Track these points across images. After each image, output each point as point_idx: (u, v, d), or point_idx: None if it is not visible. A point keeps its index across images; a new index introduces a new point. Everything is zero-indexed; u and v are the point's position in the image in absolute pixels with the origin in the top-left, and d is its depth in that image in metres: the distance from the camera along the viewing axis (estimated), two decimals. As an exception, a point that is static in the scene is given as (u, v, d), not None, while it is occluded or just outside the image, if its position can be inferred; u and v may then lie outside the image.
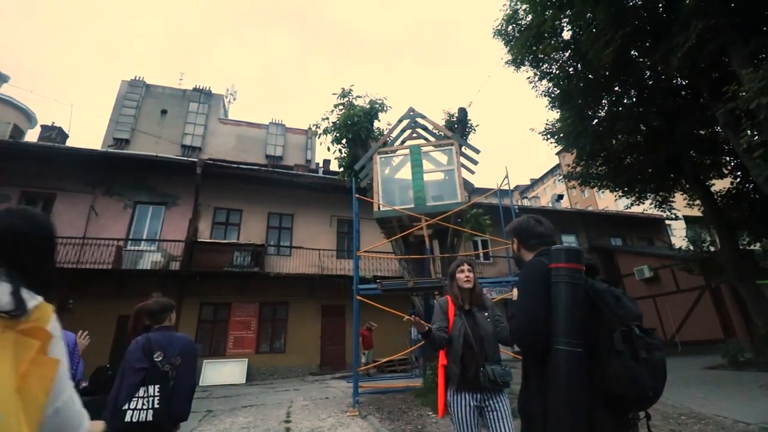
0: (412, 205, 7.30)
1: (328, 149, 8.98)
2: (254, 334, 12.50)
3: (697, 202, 11.05)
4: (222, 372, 11.26)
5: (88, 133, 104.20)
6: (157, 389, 2.33)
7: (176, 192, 13.03)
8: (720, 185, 11.58)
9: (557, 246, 1.27)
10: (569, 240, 18.49)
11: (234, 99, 25.41)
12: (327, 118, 8.97)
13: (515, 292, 1.45)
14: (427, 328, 2.03)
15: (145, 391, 2.31)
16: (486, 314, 2.30)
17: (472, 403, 2.09)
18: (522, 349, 1.26)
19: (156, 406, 2.29)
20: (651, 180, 11.35)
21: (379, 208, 7.44)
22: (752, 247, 11.00)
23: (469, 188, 8.26)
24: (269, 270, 12.81)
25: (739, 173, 10.42)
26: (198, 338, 11.79)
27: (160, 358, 2.41)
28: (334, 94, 9.04)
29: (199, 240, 12.17)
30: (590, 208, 28.44)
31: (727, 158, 10.61)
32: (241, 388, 10.00)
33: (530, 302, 1.20)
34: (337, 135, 8.76)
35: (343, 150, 9.09)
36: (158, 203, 12.88)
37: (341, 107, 8.86)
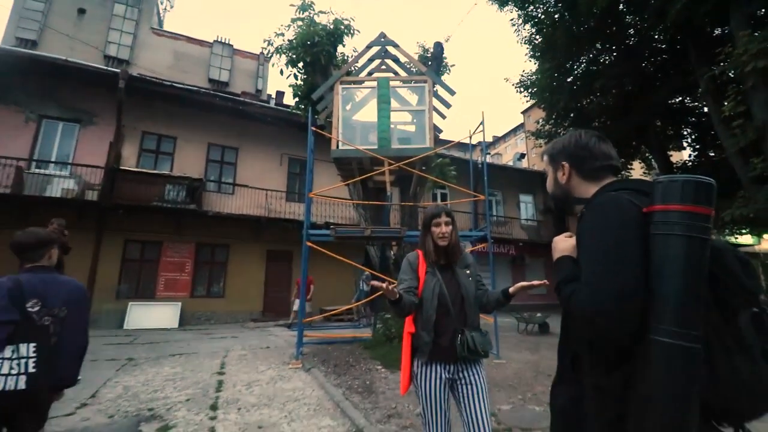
0: (375, 146, 6.82)
1: (281, 72, 7.99)
2: (189, 277, 11.91)
3: (654, 171, 11.57)
4: (150, 316, 10.66)
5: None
6: (32, 349, 1.83)
7: (94, 109, 11.36)
8: (676, 158, 12.18)
9: (669, 176, 0.86)
10: (527, 200, 19.06)
11: (171, 7, 22.32)
12: (282, 34, 7.88)
13: (562, 244, 1.03)
14: (397, 295, 1.68)
15: (14, 351, 1.80)
16: (467, 271, 2.00)
17: (444, 376, 1.85)
18: (595, 337, 0.87)
19: (31, 370, 1.81)
20: (615, 145, 11.63)
21: (338, 146, 6.89)
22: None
23: (438, 133, 7.86)
24: (208, 208, 11.95)
25: (698, 146, 10.92)
26: (122, 278, 10.99)
27: (36, 309, 1.87)
28: (292, 5, 7.88)
29: (122, 168, 10.85)
30: (549, 170, 29.53)
31: (690, 130, 11.03)
32: (173, 333, 9.55)
33: (617, 266, 0.82)
34: (293, 56, 7.76)
35: (299, 76, 8.15)
36: (71, 120, 11.19)
37: (300, 23, 7.78)
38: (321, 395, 4.31)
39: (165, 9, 21.92)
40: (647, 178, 13.06)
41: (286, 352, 6.78)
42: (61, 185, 10.39)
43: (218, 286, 12.40)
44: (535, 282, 1.74)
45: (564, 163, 1.10)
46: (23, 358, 1.80)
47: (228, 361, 6.12)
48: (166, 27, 21.92)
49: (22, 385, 1.75)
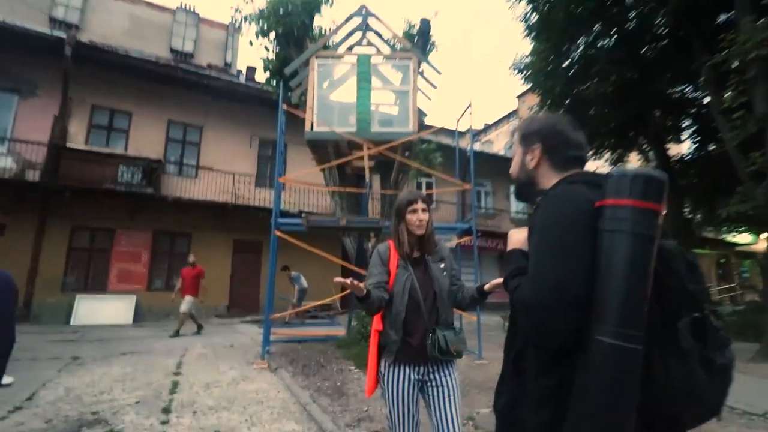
0: (354, 129, 6.76)
1: (250, 44, 7.82)
2: (146, 268, 11.73)
3: (652, 164, 11.85)
4: (101, 310, 10.44)
5: None
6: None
7: (36, 78, 10.91)
8: (674, 150, 12.50)
9: (621, 169, 0.89)
10: (516, 191, 19.29)
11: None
12: (252, 0, 7.68)
13: (516, 236, 1.08)
14: (365, 291, 1.66)
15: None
16: (441, 265, 1.99)
17: (412, 377, 1.85)
18: (534, 333, 0.90)
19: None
20: (612, 135, 11.89)
21: (312, 127, 6.77)
22: (690, 216, 12.29)
23: (423, 117, 7.85)
24: (167, 193, 11.71)
25: (698, 139, 11.21)
26: (68, 269, 10.71)
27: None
28: (264, -32, 7.67)
29: (69, 146, 10.47)
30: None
31: (690, 121, 11.31)
32: (127, 330, 9.37)
33: (560, 260, 0.86)
34: (264, 26, 7.58)
35: (271, 48, 7.97)
36: (8, 90, 10.72)
37: (272, -12, 7.59)
38: (286, 397, 4.30)
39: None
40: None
41: (251, 351, 6.73)
42: (-3, 163, 9.96)
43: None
44: None
45: (536, 145, 1.09)
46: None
47: (186, 360, 6.05)
48: (123, -13, 21.00)
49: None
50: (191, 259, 8.95)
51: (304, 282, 10.72)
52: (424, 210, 1.93)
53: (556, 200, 0.94)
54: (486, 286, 1.84)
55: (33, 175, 10.05)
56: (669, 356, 0.79)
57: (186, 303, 8.52)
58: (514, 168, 1.18)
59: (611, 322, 0.78)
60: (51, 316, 9.95)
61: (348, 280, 1.58)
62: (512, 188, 1.24)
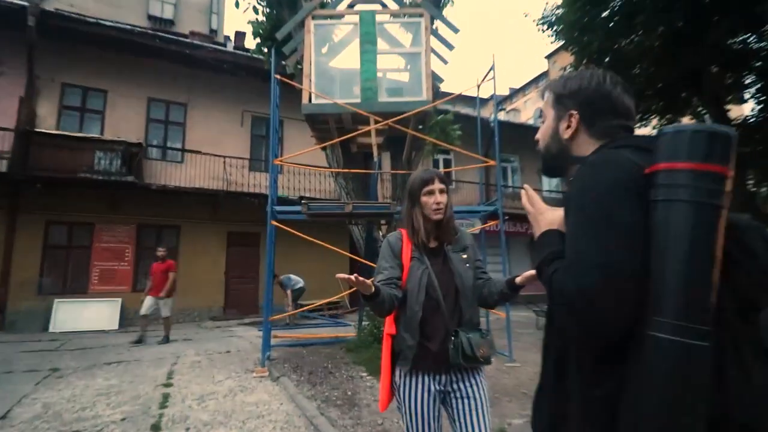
0: (359, 100, 6.71)
1: (237, 5, 7.71)
2: (130, 267, 11.89)
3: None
4: (82, 315, 10.61)
5: None
6: None
7: (-4, 54, 10.96)
8: (735, 113, 12.14)
9: (676, 126, 0.81)
10: (550, 167, 19.09)
11: None
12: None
13: (549, 215, 1.02)
14: (373, 289, 1.61)
15: None
16: (464, 255, 1.95)
17: (433, 388, 1.82)
18: (577, 331, 0.83)
19: None
20: (660, 97, 11.62)
21: (310, 99, 6.73)
22: (754, 189, 12.01)
23: (438, 83, 7.73)
24: (151, 180, 11.79)
25: (763, 98, 10.86)
26: (44, 269, 10.92)
27: None
28: None
29: (38, 130, 10.57)
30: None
31: (754, 77, 10.94)
32: (111, 336, 9.54)
33: (606, 238, 0.80)
34: (252, -17, 7.48)
35: (261, 9, 7.88)
36: (-33, 68, 10.79)
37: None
38: (291, 410, 4.32)
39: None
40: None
41: (250, 358, 6.81)
42: (-43, 152, 10.10)
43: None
44: None
45: (574, 111, 1.02)
46: None
47: (178, 369, 6.12)
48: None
49: None
50: (160, 252, 8.85)
51: (295, 280, 10.86)
52: (442, 191, 1.89)
53: (597, 167, 0.88)
54: (518, 279, 1.79)
55: (0, 165, 10.16)
56: (748, 357, 0.73)
57: (166, 305, 8.50)
58: (543, 135, 1.11)
59: (670, 314, 0.72)
60: (27, 323, 10.16)
61: (352, 277, 1.53)
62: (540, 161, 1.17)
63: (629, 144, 0.91)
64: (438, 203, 1.86)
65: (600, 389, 0.81)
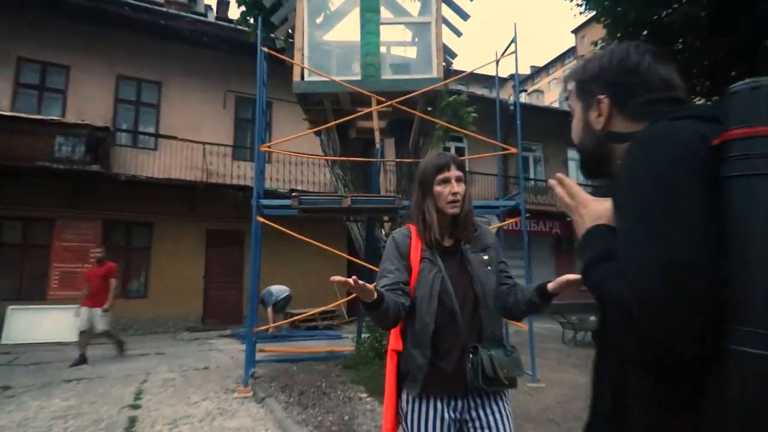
0: (359, 78, 6.77)
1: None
2: (95, 269, 11.85)
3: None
4: (39, 324, 10.65)
5: None
6: None
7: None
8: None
9: (751, 82, 0.78)
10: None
11: None
12: None
13: (596, 207, 0.98)
14: (375, 295, 1.55)
15: None
16: (485, 257, 1.91)
17: (446, 416, 1.76)
18: (637, 348, 0.78)
19: None
20: (706, 75, 11.64)
21: (303, 76, 6.75)
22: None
23: (450, 59, 7.72)
24: (119, 170, 11.88)
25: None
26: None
27: None
28: None
29: (-10, 112, 10.61)
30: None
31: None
32: (72, 349, 9.46)
33: (668, 229, 0.75)
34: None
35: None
36: None
37: None
38: (278, 437, 4.28)
39: None
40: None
41: (231, 375, 6.81)
42: None
43: (138, 282, 12.53)
44: None
45: (601, 96, 1.00)
46: None
47: (147, 388, 6.12)
48: None
49: None
50: (98, 253, 8.43)
51: (278, 291, 10.89)
52: (459, 179, 1.85)
53: (650, 143, 0.84)
54: (550, 285, 1.75)
55: (-54, 152, 10.20)
56: None
57: (103, 318, 7.92)
58: (575, 132, 1.10)
59: (757, 322, 0.67)
60: (-24, 333, 10.21)
61: (350, 280, 1.46)
62: (576, 158, 1.12)
63: (690, 114, 0.87)
64: (455, 194, 1.82)
65: (671, 420, 0.77)
